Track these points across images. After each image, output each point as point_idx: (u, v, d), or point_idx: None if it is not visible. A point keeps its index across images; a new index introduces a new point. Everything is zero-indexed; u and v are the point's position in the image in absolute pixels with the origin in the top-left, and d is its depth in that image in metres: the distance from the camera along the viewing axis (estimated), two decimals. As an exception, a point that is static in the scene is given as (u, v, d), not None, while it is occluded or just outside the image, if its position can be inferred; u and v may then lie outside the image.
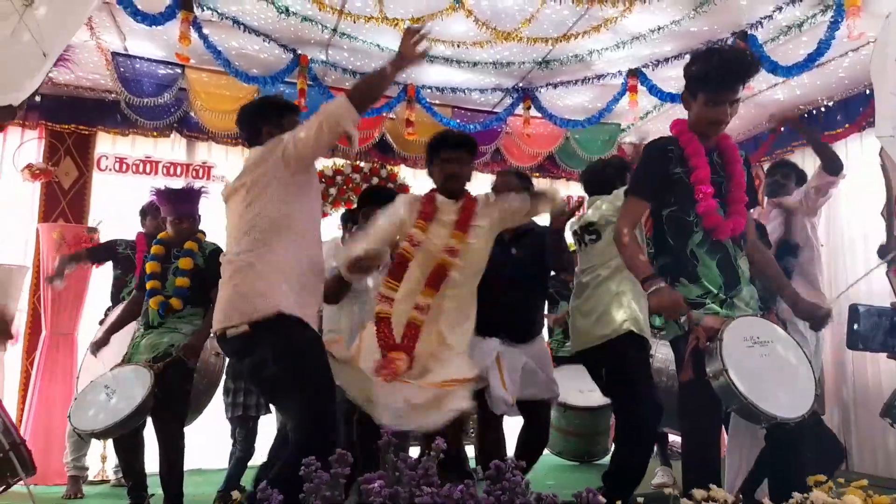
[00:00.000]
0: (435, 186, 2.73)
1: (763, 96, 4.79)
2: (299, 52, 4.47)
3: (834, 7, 3.57)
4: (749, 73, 2.25)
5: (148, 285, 3.23)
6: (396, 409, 2.27)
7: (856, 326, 1.15)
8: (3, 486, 2.88)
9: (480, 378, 2.60)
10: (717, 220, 2.25)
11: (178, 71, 4.64)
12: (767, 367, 2.06)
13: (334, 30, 4.19)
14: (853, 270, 4.85)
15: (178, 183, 4.79)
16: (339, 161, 5.50)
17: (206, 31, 4.03)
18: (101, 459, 4.27)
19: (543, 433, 3.11)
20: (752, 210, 2.44)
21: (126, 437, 3.00)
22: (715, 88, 2.23)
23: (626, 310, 2.79)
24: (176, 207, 3.27)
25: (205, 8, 3.91)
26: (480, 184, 5.63)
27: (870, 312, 1.14)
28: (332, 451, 1.55)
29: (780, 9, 3.78)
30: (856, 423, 4.73)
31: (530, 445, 3.06)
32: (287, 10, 3.93)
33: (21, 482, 2.88)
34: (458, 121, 5.32)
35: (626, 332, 2.77)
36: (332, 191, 5.43)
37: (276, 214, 2.22)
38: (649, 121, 5.38)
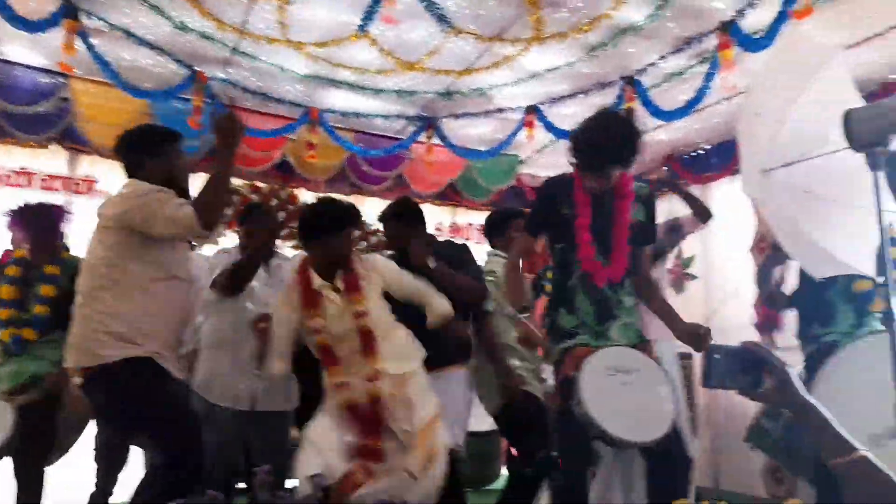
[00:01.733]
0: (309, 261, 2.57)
1: (649, 136, 5.11)
2: (196, 68, 4.33)
3: (711, 60, 3.89)
4: (616, 162, 2.25)
5: (2, 314, 2.90)
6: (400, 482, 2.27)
7: (711, 366, 1.25)
8: None
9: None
10: (594, 266, 2.35)
11: (62, 80, 4.37)
12: (627, 395, 2.17)
13: (234, 48, 4.10)
14: (724, 299, 5.26)
15: (57, 197, 4.50)
16: (237, 181, 5.34)
17: (94, 40, 3.82)
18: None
19: None
20: (647, 246, 2.55)
21: None
22: (581, 164, 2.31)
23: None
24: (32, 233, 2.98)
25: (94, 17, 3.71)
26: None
27: (722, 353, 1.24)
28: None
29: (664, 57, 4.08)
30: (726, 444, 5.08)
31: None
32: (184, 25, 3.80)
33: None
34: (361, 145, 5.32)
35: None
36: (228, 211, 5.25)
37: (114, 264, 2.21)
38: (546, 154, 5.61)
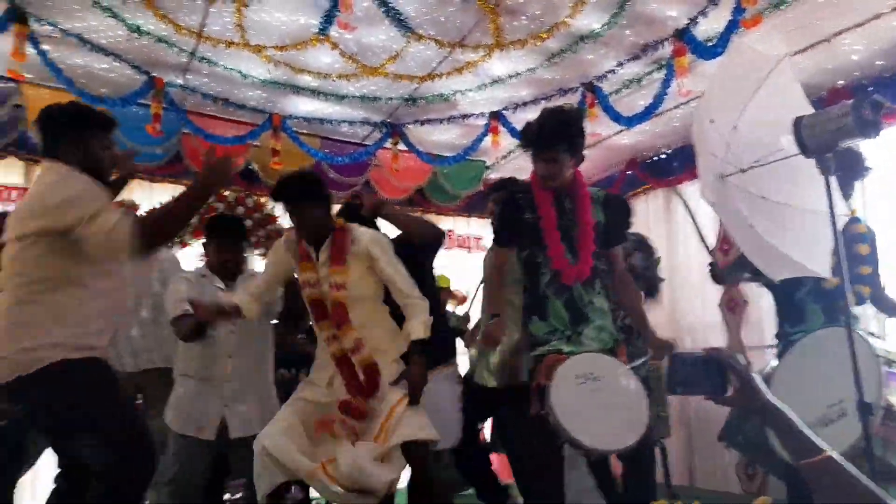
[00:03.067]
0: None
1: (611, 141, 5.18)
2: (153, 74, 4.25)
3: (667, 66, 3.95)
4: (561, 139, 2.39)
5: None
6: (360, 467, 2.21)
7: (675, 372, 1.26)
8: None
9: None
10: (563, 263, 2.39)
11: (13, 86, 4.24)
12: (597, 402, 2.18)
13: (192, 53, 4.03)
14: (691, 304, 5.35)
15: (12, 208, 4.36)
16: (200, 189, 5.24)
17: (44, 46, 3.72)
18: None
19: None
20: (617, 246, 2.60)
21: None
22: (531, 147, 2.44)
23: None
24: None
25: (44, 22, 3.61)
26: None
27: (686, 360, 1.26)
28: None
29: (621, 64, 4.13)
30: (699, 442, 5.14)
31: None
32: (139, 28, 3.72)
33: None
34: (327, 151, 5.27)
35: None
36: (193, 220, 5.16)
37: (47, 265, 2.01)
38: (513, 159, 5.63)
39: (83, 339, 2.02)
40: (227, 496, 2.84)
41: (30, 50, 3.62)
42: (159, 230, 2.02)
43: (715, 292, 5.05)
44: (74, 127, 2.14)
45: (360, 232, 2.56)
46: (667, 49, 3.86)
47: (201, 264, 3.19)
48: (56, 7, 3.52)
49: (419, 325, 2.41)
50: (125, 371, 3.32)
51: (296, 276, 2.61)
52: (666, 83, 3.94)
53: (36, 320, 1.97)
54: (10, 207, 4.04)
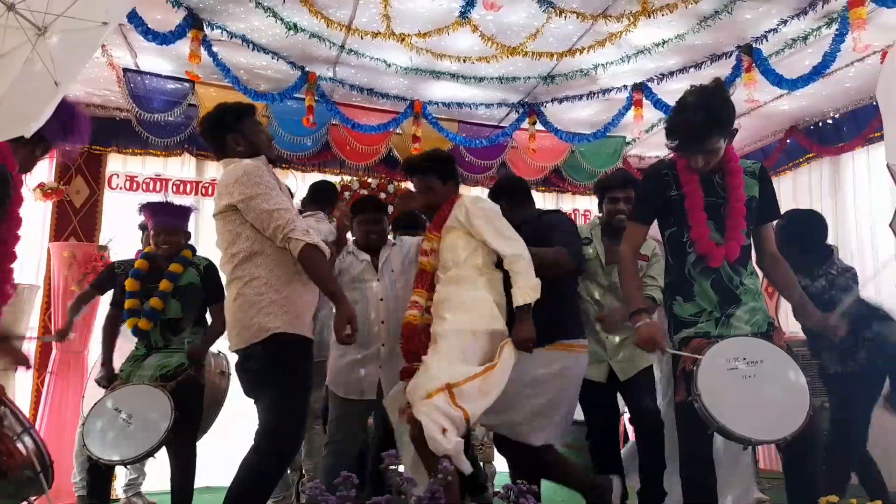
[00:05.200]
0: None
1: (769, 107, 4.79)
2: (307, 69, 4.52)
3: (839, 20, 3.58)
4: (715, 131, 2.20)
5: (127, 304, 3.19)
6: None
7: None
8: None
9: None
10: (709, 246, 2.26)
11: (188, 86, 4.70)
12: (750, 389, 2.04)
13: (342, 46, 4.24)
14: (862, 281, 4.82)
15: (187, 200, 4.85)
16: (347, 177, 5.53)
17: (215, 48, 4.08)
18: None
19: None
20: (770, 223, 2.42)
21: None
22: (681, 146, 2.27)
23: None
24: (162, 220, 3.24)
25: (214, 27, 3.96)
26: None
27: None
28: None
29: (784, 22, 3.80)
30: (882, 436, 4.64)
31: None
32: (295, 26, 3.98)
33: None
34: (464, 135, 5.35)
35: None
36: (341, 205, 5.45)
37: (253, 241, 2.31)
38: (654, 133, 5.39)
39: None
40: None
41: (201, 52, 3.99)
42: (314, 271, 2.31)
43: (890, 272, 4.52)
44: (230, 124, 2.42)
45: (471, 201, 2.66)
46: (839, 0, 3.50)
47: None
48: (225, 11, 3.86)
49: (524, 287, 2.52)
50: None
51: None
52: (839, 39, 3.57)
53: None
54: (185, 200, 4.50)
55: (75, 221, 4.89)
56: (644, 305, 2.31)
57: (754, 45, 3.99)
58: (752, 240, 2.37)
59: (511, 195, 2.91)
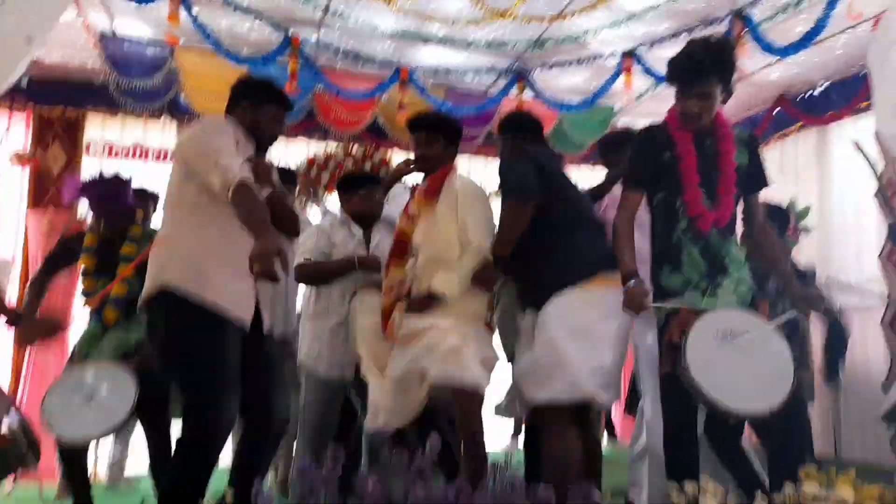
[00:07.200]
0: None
1: (759, 76, 4.77)
2: (290, 32, 4.40)
3: (832, -15, 3.54)
4: (715, 71, 2.20)
5: (84, 284, 2.98)
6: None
7: None
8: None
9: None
10: (701, 209, 2.23)
11: (168, 51, 4.56)
12: (736, 361, 2.04)
13: (326, 9, 4.12)
14: (845, 254, 4.87)
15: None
16: (332, 145, 5.43)
17: (195, 9, 3.95)
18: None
19: None
20: (758, 192, 2.40)
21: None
22: (680, 82, 2.25)
23: None
24: (101, 205, 2.97)
25: (194, -15, 3.84)
26: (473, 168, 5.64)
27: None
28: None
29: (778, -14, 3.76)
30: (846, 409, 4.73)
31: None
32: (278, -15, 3.86)
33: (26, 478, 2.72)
34: (452, 102, 5.26)
35: None
36: (325, 175, 5.37)
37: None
38: (643, 102, 5.34)
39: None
40: None
41: (182, 13, 3.86)
42: (247, 211, 1.99)
43: (873, 245, 4.55)
44: (251, 97, 2.32)
45: (463, 180, 2.63)
46: (834, -36, 3.46)
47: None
48: (204, -31, 3.72)
49: (451, 276, 2.51)
50: None
51: None
52: (831, 5, 3.54)
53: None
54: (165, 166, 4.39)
55: (53, 189, 4.77)
56: (629, 270, 2.24)
57: (746, 11, 3.94)
58: (738, 209, 2.36)
59: (523, 130, 2.76)
